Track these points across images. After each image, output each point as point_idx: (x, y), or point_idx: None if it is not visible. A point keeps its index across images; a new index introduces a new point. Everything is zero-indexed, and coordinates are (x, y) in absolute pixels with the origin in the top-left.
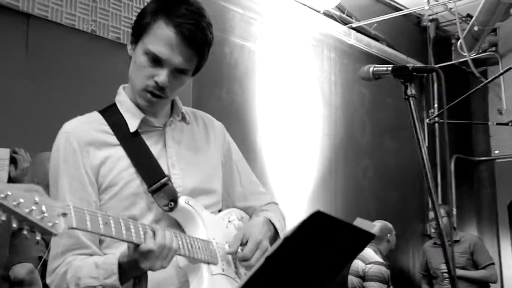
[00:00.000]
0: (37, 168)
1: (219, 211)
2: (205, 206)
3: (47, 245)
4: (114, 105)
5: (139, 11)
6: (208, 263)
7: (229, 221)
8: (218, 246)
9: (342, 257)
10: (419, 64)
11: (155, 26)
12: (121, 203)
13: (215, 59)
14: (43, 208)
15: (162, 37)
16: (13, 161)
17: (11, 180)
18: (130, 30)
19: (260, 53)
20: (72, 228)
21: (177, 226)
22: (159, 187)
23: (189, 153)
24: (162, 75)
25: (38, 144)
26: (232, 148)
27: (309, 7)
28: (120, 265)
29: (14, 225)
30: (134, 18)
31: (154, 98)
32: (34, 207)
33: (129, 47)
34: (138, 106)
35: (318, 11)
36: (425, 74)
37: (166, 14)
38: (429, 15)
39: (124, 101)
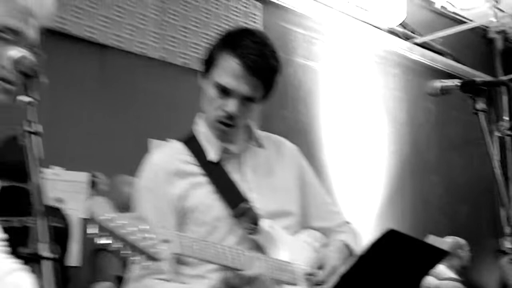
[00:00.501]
0: (114, 190)
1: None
2: (283, 228)
3: (124, 264)
4: (193, 134)
5: (206, 37)
6: (289, 283)
7: (306, 242)
8: (297, 268)
9: (415, 274)
10: (486, 77)
11: (222, 59)
12: (203, 227)
13: (280, 80)
14: (148, 235)
15: (228, 69)
16: (92, 184)
17: None
18: (197, 56)
19: (323, 72)
20: (176, 254)
21: (257, 248)
22: (242, 212)
23: (265, 177)
24: (231, 105)
25: (114, 167)
26: (305, 170)
27: (372, 25)
28: None
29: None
30: (201, 43)
31: (226, 128)
32: (140, 234)
33: (199, 80)
34: (215, 135)
35: (381, 29)
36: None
37: (231, 47)
38: (496, 27)
39: (203, 131)
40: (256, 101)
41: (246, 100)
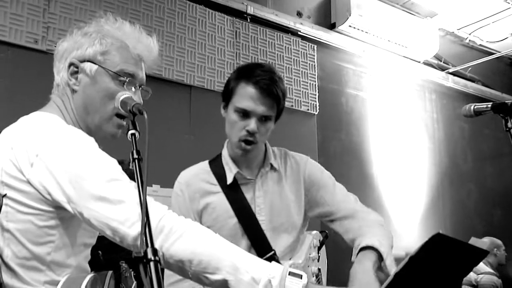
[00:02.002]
0: None
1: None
2: (285, 242)
3: None
4: (220, 156)
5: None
6: None
7: (309, 258)
8: None
9: (459, 272)
10: None
11: (239, 87)
12: None
13: (334, 108)
14: None
15: (246, 94)
16: None
17: None
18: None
19: (371, 100)
20: None
21: None
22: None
23: (275, 198)
24: (251, 124)
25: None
26: (313, 179)
27: (410, 58)
28: None
29: None
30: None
31: (248, 146)
32: None
33: (222, 111)
34: (234, 160)
35: (418, 61)
36: None
37: (246, 77)
38: None
39: (225, 155)
40: (271, 119)
41: (263, 120)
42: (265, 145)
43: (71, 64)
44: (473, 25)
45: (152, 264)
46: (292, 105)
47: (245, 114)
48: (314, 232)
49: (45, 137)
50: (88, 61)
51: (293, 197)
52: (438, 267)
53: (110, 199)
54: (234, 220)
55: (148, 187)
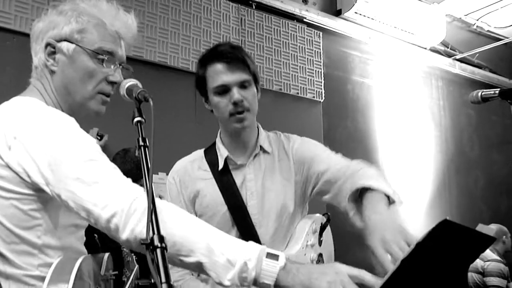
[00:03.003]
0: None
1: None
2: (277, 226)
3: None
4: (214, 145)
5: (278, 62)
6: None
7: (306, 245)
8: None
9: (466, 258)
10: None
11: (207, 72)
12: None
13: (340, 95)
14: None
15: (216, 72)
16: None
17: None
18: (268, 77)
19: (377, 88)
20: None
21: None
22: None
23: (266, 181)
24: (234, 94)
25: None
26: (302, 156)
27: (416, 45)
28: None
29: None
30: (273, 68)
31: (241, 115)
32: None
33: (206, 106)
34: (226, 146)
35: (425, 48)
36: None
37: (208, 60)
38: None
39: (218, 142)
40: (251, 84)
41: (242, 86)
42: (258, 129)
43: (47, 45)
44: (481, 10)
45: (158, 251)
46: (297, 93)
47: (224, 89)
48: (317, 215)
49: (23, 119)
50: (65, 40)
51: (284, 181)
52: (445, 254)
53: (85, 180)
54: (225, 208)
55: (154, 175)
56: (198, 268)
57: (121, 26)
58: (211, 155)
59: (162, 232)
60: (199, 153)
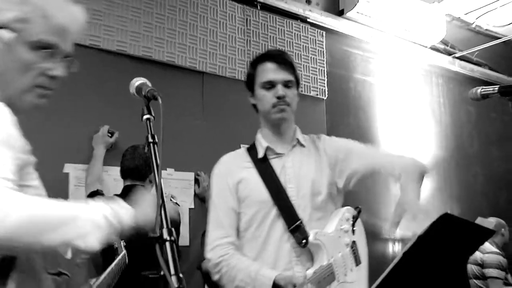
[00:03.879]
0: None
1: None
2: (312, 209)
3: None
4: (254, 142)
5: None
6: (330, 283)
7: (340, 229)
8: (335, 262)
9: (465, 251)
10: None
11: (258, 69)
12: (252, 209)
13: (343, 92)
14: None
15: (266, 69)
16: (196, 181)
17: (196, 195)
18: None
19: (378, 85)
20: None
21: (308, 254)
22: (295, 228)
23: (303, 168)
24: (279, 90)
25: (213, 167)
26: (334, 147)
27: (417, 44)
28: (275, 283)
29: None
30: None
31: (282, 106)
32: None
33: (251, 100)
34: (266, 139)
35: (425, 46)
36: None
37: (260, 60)
38: None
39: (258, 137)
40: (293, 85)
41: (286, 85)
42: (295, 128)
43: None
44: (480, 9)
45: (168, 244)
46: (301, 90)
47: (270, 85)
48: (348, 207)
49: None
50: (5, 27)
51: (318, 171)
52: (445, 246)
53: None
54: (265, 192)
55: (162, 171)
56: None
57: (67, 18)
58: (252, 149)
59: None
60: (242, 149)
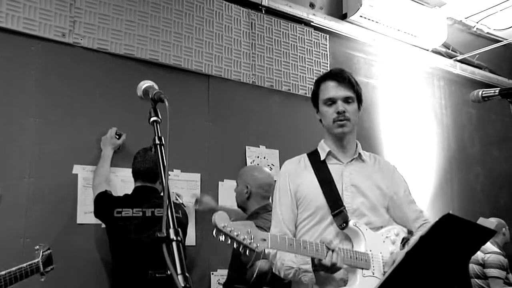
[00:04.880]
0: (243, 178)
1: (382, 227)
2: (367, 222)
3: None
4: (316, 149)
5: (286, 63)
6: (363, 268)
7: (386, 237)
8: (373, 256)
9: (467, 251)
10: None
11: (321, 88)
12: (308, 211)
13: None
14: (252, 236)
15: (327, 87)
16: (201, 182)
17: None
18: (277, 78)
19: (381, 88)
20: (269, 248)
21: (347, 239)
22: (338, 212)
23: (360, 180)
24: (339, 106)
25: (220, 169)
26: (399, 184)
27: (419, 47)
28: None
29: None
30: (281, 69)
31: (342, 122)
32: (246, 236)
33: (317, 116)
34: (327, 146)
35: (427, 50)
36: None
37: (323, 79)
38: None
39: (321, 144)
40: (354, 100)
41: (346, 101)
42: (357, 142)
43: None
44: (481, 13)
45: (174, 244)
46: (305, 93)
47: (331, 101)
48: (401, 226)
49: None
50: None
51: (377, 184)
52: (448, 246)
53: None
54: (322, 199)
55: (169, 172)
56: None
57: None
58: (313, 155)
59: None
60: (303, 155)
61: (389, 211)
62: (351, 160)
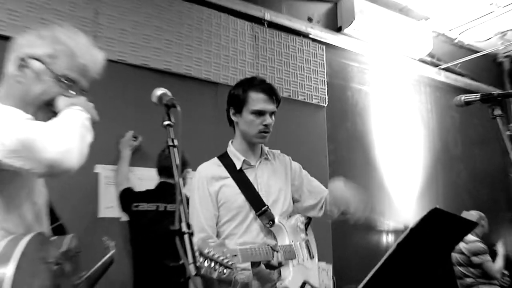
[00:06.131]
0: None
1: (290, 216)
2: (281, 213)
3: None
4: (226, 153)
5: (286, 72)
6: (291, 259)
7: (297, 226)
8: (295, 246)
9: (452, 241)
10: (498, 91)
11: (250, 96)
12: (230, 213)
13: (342, 101)
14: (228, 254)
15: (259, 99)
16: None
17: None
18: (279, 85)
19: (373, 94)
20: (240, 262)
21: (271, 234)
22: (262, 212)
23: (270, 179)
24: (267, 119)
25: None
26: (297, 170)
27: (407, 56)
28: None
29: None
30: (282, 77)
31: (266, 134)
32: (221, 255)
33: (233, 117)
34: (240, 152)
35: (414, 59)
36: (507, 98)
37: (252, 87)
38: (504, 53)
39: (232, 150)
40: (275, 114)
41: (271, 115)
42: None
43: (20, 59)
44: (462, 26)
45: (186, 236)
46: (304, 99)
47: (260, 113)
48: (299, 214)
49: None
50: (37, 59)
51: (282, 179)
52: (435, 237)
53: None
54: (242, 197)
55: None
56: None
57: (89, 60)
58: (226, 160)
59: None
60: (215, 160)
61: (295, 196)
62: (260, 162)
